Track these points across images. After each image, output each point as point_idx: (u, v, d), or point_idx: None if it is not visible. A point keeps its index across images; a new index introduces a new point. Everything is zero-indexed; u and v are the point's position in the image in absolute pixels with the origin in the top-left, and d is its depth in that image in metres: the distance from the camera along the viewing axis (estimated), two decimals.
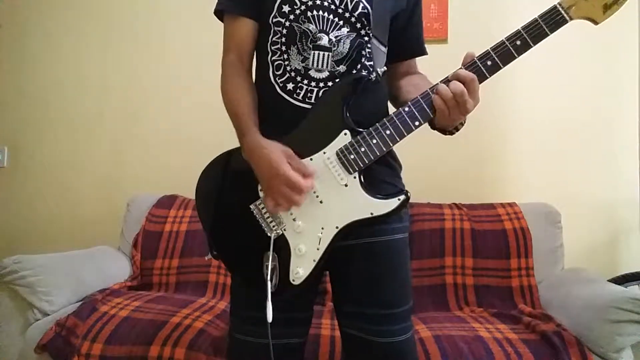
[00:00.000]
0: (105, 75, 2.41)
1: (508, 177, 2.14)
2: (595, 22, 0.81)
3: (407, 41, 1.04)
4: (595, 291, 1.46)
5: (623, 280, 1.81)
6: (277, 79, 0.92)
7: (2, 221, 2.45)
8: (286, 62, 0.91)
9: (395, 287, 0.93)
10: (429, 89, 0.84)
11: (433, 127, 0.89)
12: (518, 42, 0.80)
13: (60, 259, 1.70)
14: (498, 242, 1.81)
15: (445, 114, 0.82)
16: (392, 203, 0.85)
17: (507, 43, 0.81)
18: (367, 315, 0.91)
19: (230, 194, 0.93)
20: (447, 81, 0.82)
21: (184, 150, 2.31)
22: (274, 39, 0.92)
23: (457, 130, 0.89)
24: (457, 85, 0.80)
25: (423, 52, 1.08)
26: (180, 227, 1.97)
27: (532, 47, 0.81)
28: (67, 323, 1.45)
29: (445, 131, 0.89)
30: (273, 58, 0.93)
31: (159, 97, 2.36)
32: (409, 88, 0.98)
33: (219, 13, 1.01)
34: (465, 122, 0.87)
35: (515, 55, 0.81)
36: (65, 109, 2.43)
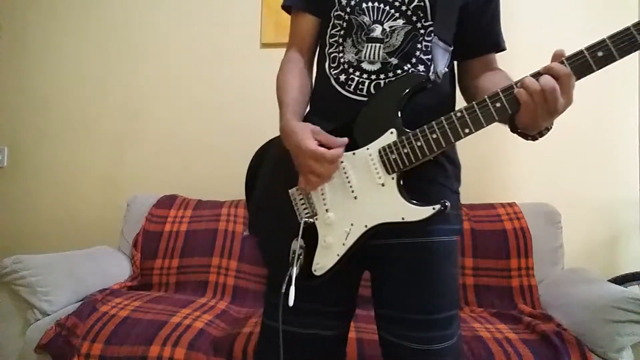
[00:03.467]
0: (105, 75, 2.41)
1: (508, 177, 2.14)
2: None
3: (479, 35, 0.96)
4: (595, 291, 1.46)
5: (623, 280, 1.81)
6: (331, 71, 0.93)
7: (2, 221, 2.45)
8: (340, 55, 0.92)
9: (432, 292, 0.88)
10: (488, 96, 0.76)
11: (514, 129, 0.80)
12: (600, 54, 0.70)
13: (60, 259, 1.70)
14: (498, 242, 1.81)
15: (531, 109, 0.72)
16: (426, 211, 0.79)
17: (586, 53, 0.71)
18: (401, 320, 0.88)
19: (274, 177, 0.93)
20: (537, 75, 0.73)
21: (184, 150, 2.31)
22: (332, 31, 0.94)
23: (542, 135, 0.79)
24: (548, 80, 0.70)
25: (500, 47, 0.98)
26: (180, 227, 1.97)
27: (617, 60, 0.70)
28: (67, 323, 1.45)
29: (527, 135, 0.79)
30: (330, 50, 0.94)
31: (159, 97, 2.37)
32: (487, 85, 0.90)
33: (286, 8, 1.04)
34: (552, 127, 0.78)
35: (594, 68, 0.71)
36: (65, 109, 2.43)
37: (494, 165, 2.14)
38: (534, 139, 0.80)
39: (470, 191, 2.13)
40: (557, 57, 0.73)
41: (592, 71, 0.71)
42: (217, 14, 2.33)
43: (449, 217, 0.87)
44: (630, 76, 2.07)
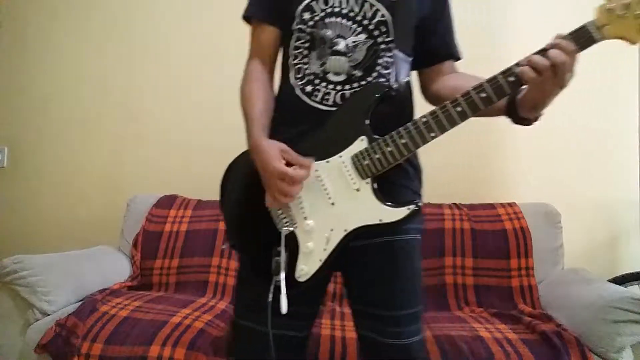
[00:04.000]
0: (105, 75, 2.41)
1: (508, 177, 2.14)
2: (632, 43, 0.75)
3: (436, 46, 1.03)
4: (595, 291, 1.46)
5: (623, 280, 1.81)
6: (297, 81, 0.95)
7: (2, 221, 2.45)
8: (306, 66, 0.94)
9: (400, 288, 0.93)
10: (462, 94, 0.81)
11: (514, 116, 0.84)
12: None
13: (60, 259, 1.70)
14: (498, 242, 1.81)
15: (539, 88, 0.77)
16: (402, 212, 0.85)
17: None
18: (372, 315, 0.93)
19: (250, 189, 0.95)
20: (543, 51, 0.76)
21: (184, 150, 2.31)
22: (296, 44, 0.96)
23: (537, 120, 0.84)
24: (558, 53, 0.74)
25: (455, 56, 1.05)
26: (180, 227, 1.97)
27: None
28: (67, 323, 1.45)
29: (522, 121, 0.84)
30: (294, 62, 0.96)
31: (159, 97, 2.36)
32: (472, 81, 0.88)
33: (247, 19, 1.05)
34: (543, 114, 0.83)
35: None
36: (65, 109, 2.43)
37: (494, 165, 2.14)
38: (529, 123, 0.84)
39: (470, 191, 2.14)
40: (558, 37, 0.77)
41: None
42: (217, 14, 2.33)
43: (415, 217, 0.89)
44: (630, 76, 2.07)
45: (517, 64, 0.78)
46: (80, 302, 1.59)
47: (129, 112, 2.38)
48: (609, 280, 1.73)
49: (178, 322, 1.44)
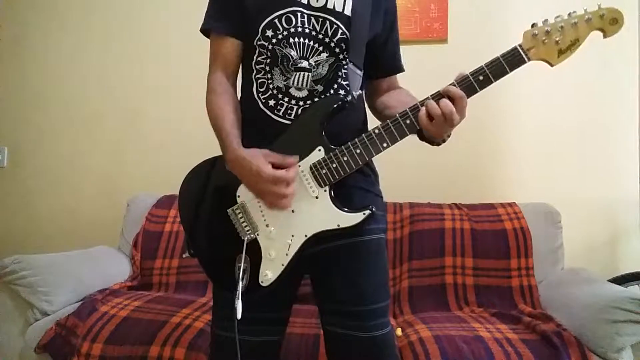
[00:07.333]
0: (105, 75, 2.42)
1: (508, 177, 2.14)
2: (551, 65, 0.86)
3: (385, 60, 1.10)
4: (595, 291, 1.46)
5: (623, 280, 1.81)
6: (260, 95, 0.98)
7: (2, 221, 2.45)
8: (269, 81, 0.97)
9: (371, 284, 0.98)
10: (399, 114, 0.89)
11: (421, 138, 0.94)
12: (481, 77, 0.85)
13: (60, 259, 1.70)
14: (498, 242, 1.81)
15: (432, 130, 0.86)
16: (358, 217, 0.91)
17: (470, 78, 0.86)
18: (346, 312, 0.96)
19: (210, 199, 0.99)
20: (437, 96, 0.86)
21: (184, 150, 2.31)
22: (259, 59, 0.98)
23: (444, 141, 0.93)
24: (446, 104, 0.84)
25: (400, 70, 1.13)
26: (180, 227, 1.97)
27: (492, 82, 0.86)
28: (67, 323, 1.45)
29: (432, 142, 0.94)
30: (257, 76, 0.99)
31: (159, 97, 2.37)
32: (394, 103, 1.03)
33: (206, 32, 1.07)
34: (450, 134, 0.92)
35: (478, 89, 0.86)
36: (65, 109, 2.43)
37: (494, 165, 2.14)
38: (438, 144, 0.93)
39: (470, 191, 2.14)
40: (455, 81, 0.86)
41: (477, 91, 0.86)
42: None
43: (377, 217, 0.95)
44: (630, 76, 2.07)
45: (422, 103, 0.87)
46: (80, 302, 1.59)
47: (129, 112, 2.39)
48: (609, 280, 1.72)
49: (178, 322, 1.44)
